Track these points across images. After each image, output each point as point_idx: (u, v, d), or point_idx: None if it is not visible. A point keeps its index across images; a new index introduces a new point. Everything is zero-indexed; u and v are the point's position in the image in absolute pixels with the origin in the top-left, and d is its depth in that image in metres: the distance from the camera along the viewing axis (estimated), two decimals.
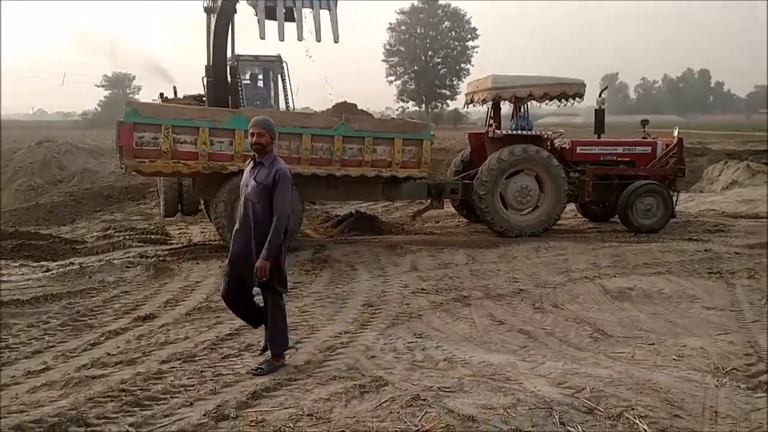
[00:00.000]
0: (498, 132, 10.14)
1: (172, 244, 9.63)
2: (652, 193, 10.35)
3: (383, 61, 76.80)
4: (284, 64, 12.17)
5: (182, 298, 6.83)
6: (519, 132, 10.02)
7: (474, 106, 10.93)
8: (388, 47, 76.71)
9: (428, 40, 76.40)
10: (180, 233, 10.58)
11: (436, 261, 8.46)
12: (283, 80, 12.18)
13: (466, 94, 11.10)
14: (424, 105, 75.99)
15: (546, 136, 10.22)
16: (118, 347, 5.34)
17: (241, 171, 8.57)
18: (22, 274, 7.74)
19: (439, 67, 77.05)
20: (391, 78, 76.58)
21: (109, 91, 77.77)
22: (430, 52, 76.79)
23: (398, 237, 10.41)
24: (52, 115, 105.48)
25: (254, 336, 5.64)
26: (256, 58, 12.37)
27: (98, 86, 77.07)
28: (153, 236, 9.79)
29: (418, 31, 76.38)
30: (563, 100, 10.38)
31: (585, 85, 10.36)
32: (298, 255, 8.82)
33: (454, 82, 76.89)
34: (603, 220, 11.69)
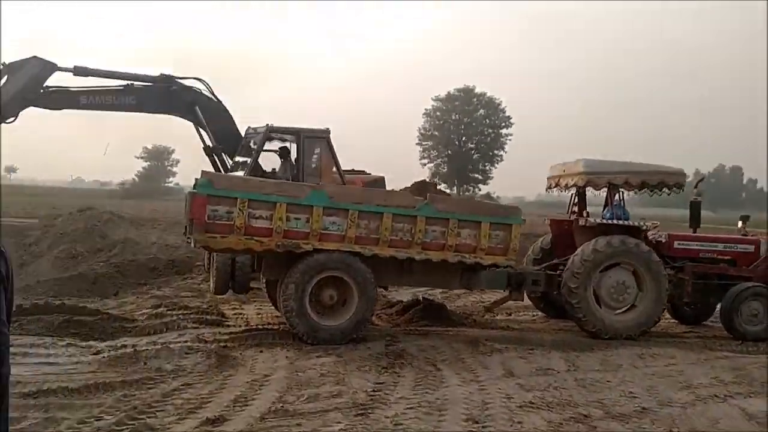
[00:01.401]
0: (591, 220, 9.24)
1: (229, 326, 8.75)
2: (758, 297, 9.28)
3: (417, 144, 77.61)
4: (288, 140, 11.16)
5: (252, 396, 5.90)
6: (615, 221, 9.12)
7: (560, 191, 10.12)
8: (422, 131, 77.61)
9: (462, 126, 77.26)
10: (235, 314, 9.72)
11: (531, 365, 7.43)
12: (298, 153, 11.02)
13: (548, 178, 10.30)
14: (456, 188, 75.90)
15: (644, 227, 9.30)
16: None
17: (316, 250, 8.03)
18: (70, 356, 6.89)
19: (472, 152, 77.61)
20: (425, 161, 77.15)
21: (148, 163, 78.87)
22: (463, 138, 77.47)
23: (473, 330, 9.41)
24: (89, 183, 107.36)
25: None
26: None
27: (137, 158, 77.99)
28: (208, 316, 8.92)
29: (453, 117, 77.39)
30: (658, 189, 9.58)
31: (686, 175, 9.56)
32: (369, 347, 7.92)
33: (487, 167, 77.38)
34: (694, 323, 10.55)
